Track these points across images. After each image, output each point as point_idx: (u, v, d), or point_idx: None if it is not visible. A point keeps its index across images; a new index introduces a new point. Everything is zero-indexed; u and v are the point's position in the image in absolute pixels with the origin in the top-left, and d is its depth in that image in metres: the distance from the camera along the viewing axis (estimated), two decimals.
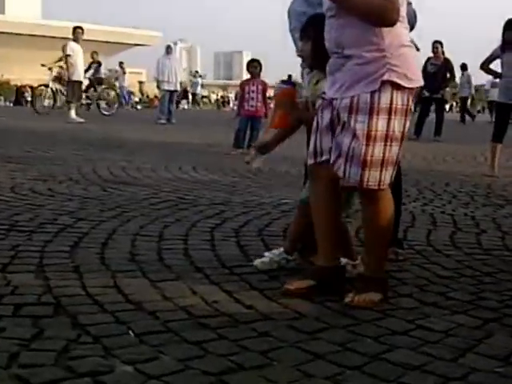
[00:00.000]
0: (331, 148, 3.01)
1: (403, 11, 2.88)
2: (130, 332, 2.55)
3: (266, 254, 3.59)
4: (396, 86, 2.84)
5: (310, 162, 3.14)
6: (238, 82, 15.48)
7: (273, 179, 7.16)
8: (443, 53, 14.18)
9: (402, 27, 2.89)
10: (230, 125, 12.11)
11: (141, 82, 44.57)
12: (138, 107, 34.74)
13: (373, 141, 2.85)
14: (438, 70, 13.97)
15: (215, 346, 2.44)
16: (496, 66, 8.32)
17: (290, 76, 18.20)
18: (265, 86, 10.78)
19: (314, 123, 3.11)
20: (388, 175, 2.93)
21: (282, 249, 3.57)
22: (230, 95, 59.59)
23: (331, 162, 3.00)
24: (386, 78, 2.82)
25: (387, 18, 2.79)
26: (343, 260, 3.31)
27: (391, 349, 2.45)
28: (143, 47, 49.31)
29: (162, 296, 2.99)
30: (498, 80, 9.49)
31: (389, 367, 2.30)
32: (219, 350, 2.40)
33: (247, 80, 10.96)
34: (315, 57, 3.24)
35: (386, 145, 2.88)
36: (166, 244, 3.96)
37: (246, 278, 3.30)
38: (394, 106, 2.85)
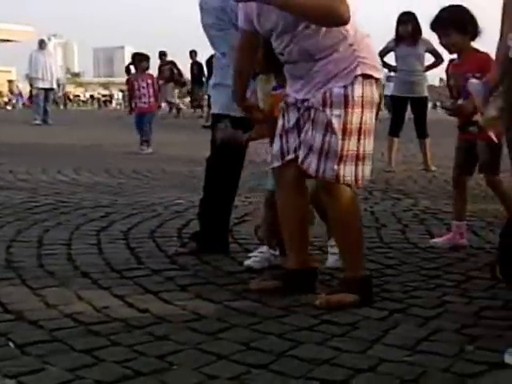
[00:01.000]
0: (296, 148, 3.05)
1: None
2: (10, 343, 2.46)
3: (252, 253, 3.65)
4: (366, 78, 2.94)
5: (277, 163, 3.16)
6: (122, 79, 15.36)
7: (162, 180, 7.11)
8: None
9: (356, 17, 2.93)
10: (116, 123, 11.93)
11: (10, 81, 43.16)
12: (8, 108, 33.62)
13: (348, 134, 2.92)
14: None
15: (108, 353, 2.39)
16: (390, 58, 8.58)
17: None
18: (153, 80, 10.74)
19: (279, 125, 3.13)
20: (366, 170, 3.00)
21: (265, 247, 3.63)
22: (113, 93, 58.74)
23: (300, 160, 3.02)
24: (359, 72, 2.92)
25: (338, 18, 2.82)
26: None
27: (297, 345, 2.48)
28: (13, 43, 48.04)
29: (44, 304, 2.91)
30: (392, 74, 9.82)
31: (296, 363, 2.33)
32: (113, 357, 2.35)
33: (134, 76, 10.85)
34: (267, 63, 3.31)
35: (360, 138, 2.95)
36: (46, 249, 3.85)
37: (139, 282, 3.25)
38: (365, 98, 2.94)
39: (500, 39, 2.40)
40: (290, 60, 3.03)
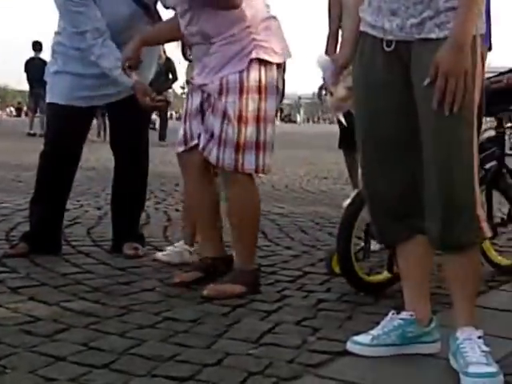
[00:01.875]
0: (200, 134, 2.93)
1: None
2: None
3: (169, 247, 3.60)
4: (264, 63, 2.84)
5: (180, 149, 3.04)
6: None
7: None
8: (164, 52, 14.22)
9: (260, 1, 2.90)
10: None
11: None
12: None
13: (245, 122, 2.83)
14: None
15: None
16: None
17: None
18: None
19: (184, 109, 3.03)
20: (266, 158, 2.91)
21: (182, 241, 3.56)
22: None
23: (201, 147, 2.91)
24: (253, 55, 2.82)
25: (231, 1, 2.78)
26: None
27: (140, 343, 2.36)
28: None
29: None
30: None
31: (139, 361, 2.21)
32: None
33: None
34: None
35: (259, 125, 2.86)
36: None
37: None
38: (263, 83, 2.84)
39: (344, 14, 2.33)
40: (191, 41, 2.97)
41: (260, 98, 2.86)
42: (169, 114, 23.00)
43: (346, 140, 5.81)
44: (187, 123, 3.03)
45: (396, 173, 2.23)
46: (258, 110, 2.86)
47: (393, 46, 2.11)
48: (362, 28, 2.21)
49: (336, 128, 6.12)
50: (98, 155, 9.59)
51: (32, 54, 16.24)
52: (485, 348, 2.12)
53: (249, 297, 2.96)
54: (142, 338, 2.41)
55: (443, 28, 2.02)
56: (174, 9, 3.08)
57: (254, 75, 2.84)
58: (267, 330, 2.53)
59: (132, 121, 3.62)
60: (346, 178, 6.82)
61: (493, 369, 2.05)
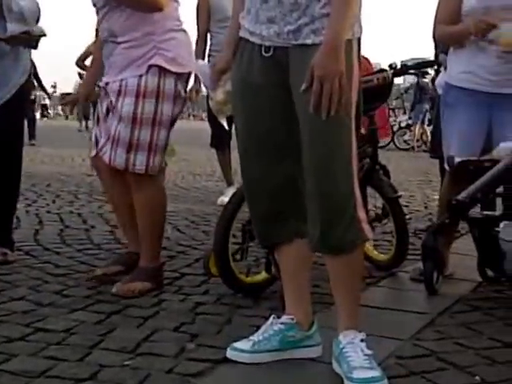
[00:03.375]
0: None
1: None
2: None
3: None
4: (164, 71, 2.86)
5: (93, 153, 3.03)
6: None
7: None
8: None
9: (172, 11, 2.92)
10: None
11: None
12: None
13: (139, 124, 2.85)
14: None
15: None
16: None
17: None
18: None
19: (96, 114, 3.04)
20: (157, 160, 2.92)
21: None
22: None
23: (99, 147, 2.96)
24: (153, 62, 2.85)
25: (153, 4, 2.82)
26: None
27: (9, 358, 2.15)
28: None
29: None
30: None
31: (7, 378, 2.01)
32: None
33: None
34: None
35: (153, 128, 2.87)
36: None
37: None
38: (161, 89, 2.87)
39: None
40: (102, 37, 2.96)
41: (157, 103, 2.88)
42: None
43: (218, 139, 5.76)
44: (97, 127, 3.04)
45: (275, 174, 2.17)
46: (154, 113, 2.88)
47: (271, 52, 2.08)
48: (241, 34, 2.18)
49: (206, 125, 6.05)
50: None
51: None
52: (367, 351, 2.07)
53: (123, 302, 2.80)
54: (10, 353, 2.20)
55: (318, 34, 2.00)
56: (94, 5, 3.02)
57: (153, 81, 2.86)
58: (144, 338, 2.38)
59: (7, 123, 3.39)
60: (219, 174, 6.74)
61: (377, 373, 2.01)
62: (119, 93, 2.87)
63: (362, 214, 2.10)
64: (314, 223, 2.08)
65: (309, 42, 2.02)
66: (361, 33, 2.09)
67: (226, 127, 2.89)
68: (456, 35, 3.21)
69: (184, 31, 3.00)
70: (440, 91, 3.62)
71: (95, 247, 3.93)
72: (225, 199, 4.90)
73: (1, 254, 3.39)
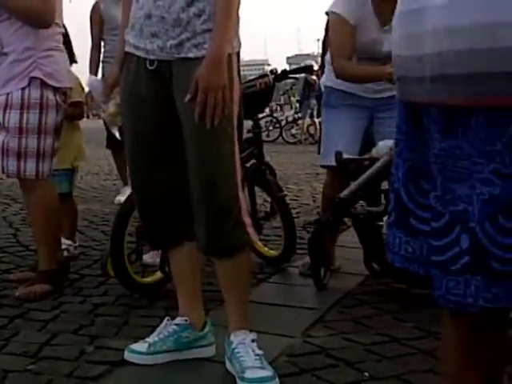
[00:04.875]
0: None
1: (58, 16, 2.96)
2: None
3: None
4: (44, 84, 2.90)
5: None
6: None
7: None
8: None
9: (55, 33, 2.96)
10: None
11: None
12: None
13: (25, 133, 2.88)
14: None
15: None
16: None
17: None
18: None
19: None
20: (46, 165, 2.96)
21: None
22: None
23: None
24: (33, 74, 2.88)
25: (42, 21, 2.86)
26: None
27: None
28: None
29: None
30: None
31: None
32: None
33: None
34: None
35: (39, 137, 2.91)
36: None
37: None
38: (44, 101, 2.91)
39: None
40: None
41: (41, 113, 2.92)
42: None
43: (113, 140, 5.68)
44: None
45: (161, 178, 2.18)
46: (39, 123, 2.92)
47: (155, 65, 2.10)
48: (126, 49, 2.19)
49: (101, 124, 5.94)
50: None
51: None
52: (258, 351, 2.10)
53: (26, 305, 2.77)
54: None
55: (200, 48, 2.03)
56: None
57: (35, 93, 2.90)
58: (45, 342, 2.37)
59: None
60: (116, 173, 6.63)
61: (268, 372, 2.04)
62: (6, 106, 2.90)
63: (246, 219, 2.13)
64: (200, 228, 2.09)
65: (191, 55, 2.04)
66: (239, 47, 2.13)
67: (118, 137, 2.89)
68: (373, 77, 3.05)
69: (62, 51, 3.04)
70: (323, 89, 3.54)
71: None
72: (122, 198, 4.84)
73: None
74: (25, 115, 2.88)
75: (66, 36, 3.22)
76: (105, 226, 4.55)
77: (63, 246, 3.42)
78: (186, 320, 2.29)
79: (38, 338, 2.41)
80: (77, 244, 3.72)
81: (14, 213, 5.14)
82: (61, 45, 3.03)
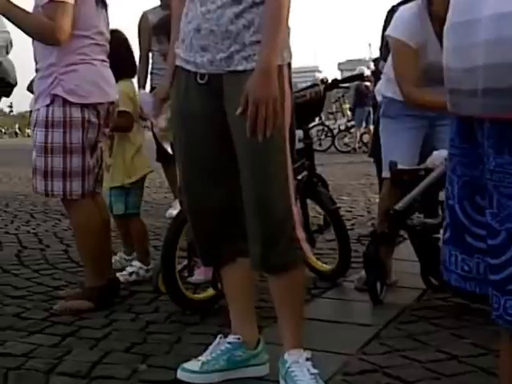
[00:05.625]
0: None
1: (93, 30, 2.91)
2: None
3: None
4: (67, 101, 2.83)
5: None
6: None
7: None
8: None
9: (79, 46, 2.87)
10: None
11: None
12: None
13: (50, 152, 2.85)
14: None
15: None
16: None
17: None
18: None
19: None
20: (75, 185, 2.90)
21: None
22: None
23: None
24: (54, 92, 2.83)
25: (51, 38, 2.78)
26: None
27: None
28: None
29: None
30: None
31: None
32: None
33: None
34: None
35: (65, 157, 2.86)
36: None
37: None
38: (67, 119, 2.84)
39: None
40: None
41: (64, 132, 2.86)
42: None
43: (164, 154, 5.68)
44: None
45: (216, 195, 2.14)
46: (64, 142, 2.86)
47: (206, 79, 2.07)
48: (177, 63, 2.16)
49: (150, 136, 5.94)
50: None
51: None
52: (313, 370, 2.05)
53: (77, 323, 2.75)
54: None
55: (250, 60, 2.00)
56: None
57: (58, 111, 2.85)
58: (97, 361, 2.34)
59: None
60: (167, 186, 6.62)
61: None
62: (35, 124, 2.90)
63: (300, 234, 2.08)
64: (254, 243, 2.05)
65: (241, 68, 2.01)
66: (290, 58, 2.09)
67: (170, 152, 2.87)
68: (437, 107, 2.78)
69: (91, 64, 2.91)
70: (379, 98, 3.46)
71: (51, 267, 3.82)
72: (173, 212, 4.83)
73: None
74: (50, 134, 2.85)
75: (119, 46, 3.22)
76: (156, 240, 4.49)
77: (132, 269, 3.45)
78: (239, 338, 2.23)
79: (89, 356, 2.38)
80: (150, 267, 3.48)
81: (65, 228, 5.14)
82: (90, 57, 2.90)
